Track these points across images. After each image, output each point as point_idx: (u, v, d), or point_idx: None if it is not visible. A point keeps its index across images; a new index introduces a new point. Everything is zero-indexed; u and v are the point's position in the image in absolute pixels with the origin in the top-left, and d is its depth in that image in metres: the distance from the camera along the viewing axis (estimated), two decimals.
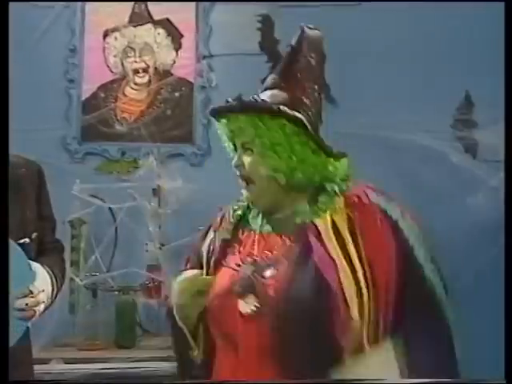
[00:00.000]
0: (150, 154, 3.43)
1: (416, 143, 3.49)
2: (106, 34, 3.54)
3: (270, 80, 1.82)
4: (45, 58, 3.46)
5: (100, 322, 3.14)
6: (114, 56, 3.53)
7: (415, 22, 3.55)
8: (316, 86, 1.80)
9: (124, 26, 3.53)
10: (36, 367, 2.73)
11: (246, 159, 1.76)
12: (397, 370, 1.63)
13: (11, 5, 3.33)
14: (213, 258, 1.86)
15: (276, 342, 1.69)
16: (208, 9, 3.58)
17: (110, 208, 3.34)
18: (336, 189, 1.76)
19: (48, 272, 2.05)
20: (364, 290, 1.64)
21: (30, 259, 1.98)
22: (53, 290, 2.07)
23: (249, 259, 1.79)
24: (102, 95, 3.53)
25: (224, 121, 1.80)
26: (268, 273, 1.74)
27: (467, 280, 3.29)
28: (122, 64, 3.53)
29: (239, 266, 1.80)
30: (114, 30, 3.53)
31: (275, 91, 1.76)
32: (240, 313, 1.73)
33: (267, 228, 1.81)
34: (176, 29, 3.56)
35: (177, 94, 3.56)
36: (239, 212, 1.89)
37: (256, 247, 1.81)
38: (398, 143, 3.48)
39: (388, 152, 3.50)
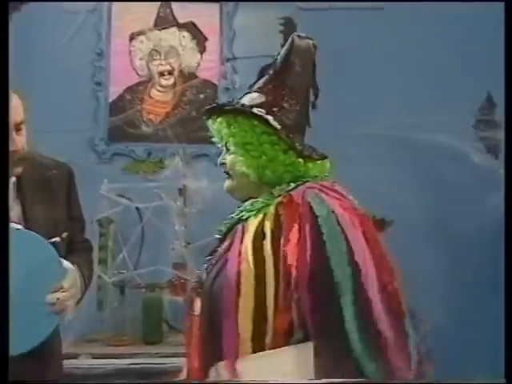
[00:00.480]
0: (175, 155, 3.49)
1: (438, 143, 3.51)
2: (132, 38, 3.60)
3: (255, 85, 1.89)
4: (73, 61, 3.52)
5: (127, 319, 3.19)
6: (140, 59, 3.60)
7: (437, 23, 3.57)
8: (300, 92, 1.86)
9: (149, 29, 3.60)
10: (65, 362, 2.82)
11: (227, 157, 1.85)
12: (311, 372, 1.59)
13: (40, 10, 3.45)
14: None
15: (201, 337, 1.76)
16: (232, 12, 3.63)
17: (137, 207, 3.40)
18: (277, 190, 1.80)
19: (77, 270, 2.11)
20: (270, 285, 1.65)
21: (61, 257, 2.04)
22: (81, 287, 2.14)
23: (208, 257, 1.86)
24: (129, 97, 3.59)
25: (210, 122, 1.88)
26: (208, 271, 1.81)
27: (489, 279, 3.31)
28: (148, 67, 3.59)
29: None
30: (140, 33, 3.60)
31: (254, 94, 1.85)
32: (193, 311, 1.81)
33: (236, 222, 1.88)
34: (200, 32, 3.61)
35: (201, 96, 3.61)
36: (236, 211, 1.92)
37: (225, 242, 1.86)
38: (419, 143, 3.50)
39: (410, 152, 3.52)
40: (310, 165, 1.83)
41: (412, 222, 3.37)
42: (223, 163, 1.88)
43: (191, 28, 3.61)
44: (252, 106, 1.82)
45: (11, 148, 1.98)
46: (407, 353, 1.60)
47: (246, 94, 1.88)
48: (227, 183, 1.89)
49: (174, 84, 3.60)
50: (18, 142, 2.03)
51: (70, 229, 2.22)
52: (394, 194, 3.33)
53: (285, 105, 1.84)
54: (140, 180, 3.50)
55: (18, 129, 2.04)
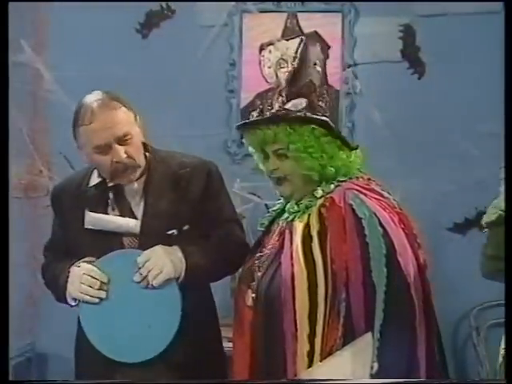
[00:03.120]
0: None
1: None
2: (261, 48, 3.81)
3: (285, 92, 1.96)
4: (208, 71, 3.78)
5: None
6: (269, 67, 3.77)
7: None
8: (326, 89, 1.95)
9: (277, 39, 3.78)
10: None
11: (281, 163, 1.93)
12: (367, 369, 1.68)
13: (177, 26, 3.78)
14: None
15: (250, 337, 1.86)
16: (353, 21, 3.76)
17: (265, 204, 3.56)
18: (320, 191, 1.90)
19: (181, 252, 2.14)
20: (321, 287, 1.75)
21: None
22: (180, 265, 2.13)
23: (258, 253, 1.97)
24: (259, 103, 3.81)
25: (252, 133, 1.96)
26: (261, 268, 1.92)
27: None
28: (276, 74, 3.74)
29: (254, 257, 1.98)
30: (269, 44, 3.79)
31: (297, 100, 1.93)
32: (245, 302, 1.92)
33: (283, 223, 1.97)
34: (324, 40, 3.81)
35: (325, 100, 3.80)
36: (277, 206, 2.08)
37: (270, 241, 1.98)
38: None
39: None
40: (353, 157, 1.95)
41: None
42: (274, 169, 1.95)
43: (315, 37, 3.79)
44: (299, 112, 1.91)
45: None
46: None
47: (287, 101, 1.93)
48: (283, 188, 1.96)
49: None
50: (122, 153, 2.11)
51: (203, 223, 2.24)
52: None
53: (321, 104, 2.05)
54: (269, 179, 3.73)
55: (121, 141, 2.12)
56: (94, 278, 2.10)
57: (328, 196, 1.87)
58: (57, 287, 2.23)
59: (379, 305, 1.70)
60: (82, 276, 2.11)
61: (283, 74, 3.78)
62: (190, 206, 2.24)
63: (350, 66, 3.75)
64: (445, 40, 3.63)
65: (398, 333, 1.71)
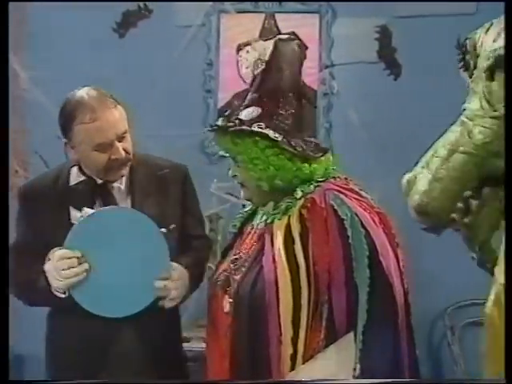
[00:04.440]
0: None
1: None
2: (239, 49, 3.82)
3: (248, 97, 1.95)
4: (185, 71, 3.77)
5: None
6: (247, 68, 3.77)
7: None
8: (292, 95, 1.93)
9: (255, 40, 3.80)
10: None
11: (238, 170, 1.94)
12: (351, 370, 1.69)
13: (153, 26, 3.77)
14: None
15: (230, 341, 1.84)
16: (330, 22, 3.79)
17: (243, 205, 3.60)
18: (299, 192, 1.88)
19: (186, 272, 2.20)
20: (304, 289, 1.74)
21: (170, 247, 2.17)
22: (190, 286, 2.21)
23: (233, 257, 1.95)
24: (236, 103, 3.83)
25: (216, 140, 1.98)
26: (237, 272, 1.90)
27: None
28: (254, 75, 3.82)
29: (228, 262, 1.97)
30: (246, 44, 3.81)
31: (250, 109, 1.90)
32: (221, 308, 1.91)
33: (261, 225, 1.96)
34: (301, 41, 3.82)
35: (303, 101, 3.82)
36: (249, 207, 2.08)
37: (245, 245, 1.96)
38: None
39: None
40: (315, 165, 1.90)
41: None
42: (235, 175, 1.96)
43: (291, 38, 3.82)
44: (251, 120, 1.87)
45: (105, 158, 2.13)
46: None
47: (244, 108, 1.91)
48: (243, 193, 1.99)
49: None
50: (121, 149, 2.15)
51: (183, 223, 2.30)
52: None
53: (281, 111, 1.90)
54: None
55: (120, 138, 2.16)
56: (69, 258, 2.08)
57: (308, 197, 1.86)
58: (35, 291, 2.20)
59: (362, 306, 1.70)
60: (58, 263, 2.09)
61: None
62: (173, 205, 2.29)
63: (327, 67, 3.79)
64: (420, 41, 3.66)
65: (382, 333, 1.72)
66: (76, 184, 2.25)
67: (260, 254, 1.86)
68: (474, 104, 1.56)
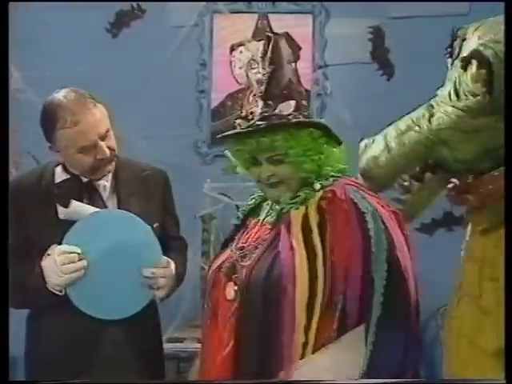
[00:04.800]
0: None
1: None
2: (232, 49, 3.83)
3: (272, 93, 1.91)
4: (178, 72, 3.78)
5: None
6: (240, 68, 3.82)
7: None
8: (300, 86, 1.97)
9: (248, 40, 3.81)
10: (172, 345, 3.06)
11: (276, 169, 1.88)
12: (360, 362, 1.69)
13: (147, 26, 3.77)
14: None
15: (235, 328, 1.82)
16: (324, 23, 3.81)
17: (236, 205, 3.50)
18: (318, 185, 1.89)
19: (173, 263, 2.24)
20: (320, 278, 1.75)
21: None
22: (175, 278, 2.24)
23: (239, 245, 1.94)
24: (229, 103, 3.82)
25: (242, 143, 1.90)
26: (245, 259, 1.88)
27: None
28: (247, 75, 3.78)
29: (232, 250, 1.95)
30: (240, 44, 3.82)
31: (283, 104, 1.89)
32: (225, 295, 1.89)
33: (268, 218, 1.95)
34: (295, 42, 3.83)
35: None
36: (251, 204, 2.05)
37: (252, 234, 1.95)
38: None
39: None
40: (341, 154, 1.96)
41: None
42: (270, 176, 1.89)
43: (286, 38, 3.82)
44: (289, 115, 1.87)
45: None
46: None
47: (280, 103, 1.89)
48: (278, 192, 1.91)
49: None
50: (105, 148, 2.14)
51: (165, 224, 2.33)
52: None
53: (303, 102, 1.94)
54: (239, 180, 3.74)
55: (103, 137, 2.15)
56: (70, 252, 2.10)
57: (328, 189, 1.87)
58: (25, 291, 2.17)
59: (377, 299, 1.71)
60: (58, 258, 2.09)
61: (254, 75, 3.80)
62: (156, 205, 2.31)
63: (320, 67, 3.81)
64: (413, 42, 3.67)
65: (394, 327, 1.72)
66: (61, 182, 2.24)
67: (275, 241, 1.85)
68: (444, 91, 1.64)
